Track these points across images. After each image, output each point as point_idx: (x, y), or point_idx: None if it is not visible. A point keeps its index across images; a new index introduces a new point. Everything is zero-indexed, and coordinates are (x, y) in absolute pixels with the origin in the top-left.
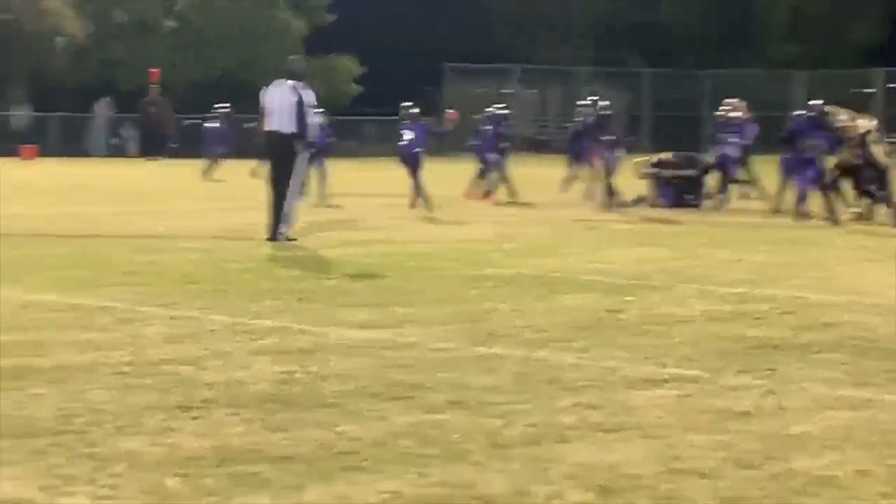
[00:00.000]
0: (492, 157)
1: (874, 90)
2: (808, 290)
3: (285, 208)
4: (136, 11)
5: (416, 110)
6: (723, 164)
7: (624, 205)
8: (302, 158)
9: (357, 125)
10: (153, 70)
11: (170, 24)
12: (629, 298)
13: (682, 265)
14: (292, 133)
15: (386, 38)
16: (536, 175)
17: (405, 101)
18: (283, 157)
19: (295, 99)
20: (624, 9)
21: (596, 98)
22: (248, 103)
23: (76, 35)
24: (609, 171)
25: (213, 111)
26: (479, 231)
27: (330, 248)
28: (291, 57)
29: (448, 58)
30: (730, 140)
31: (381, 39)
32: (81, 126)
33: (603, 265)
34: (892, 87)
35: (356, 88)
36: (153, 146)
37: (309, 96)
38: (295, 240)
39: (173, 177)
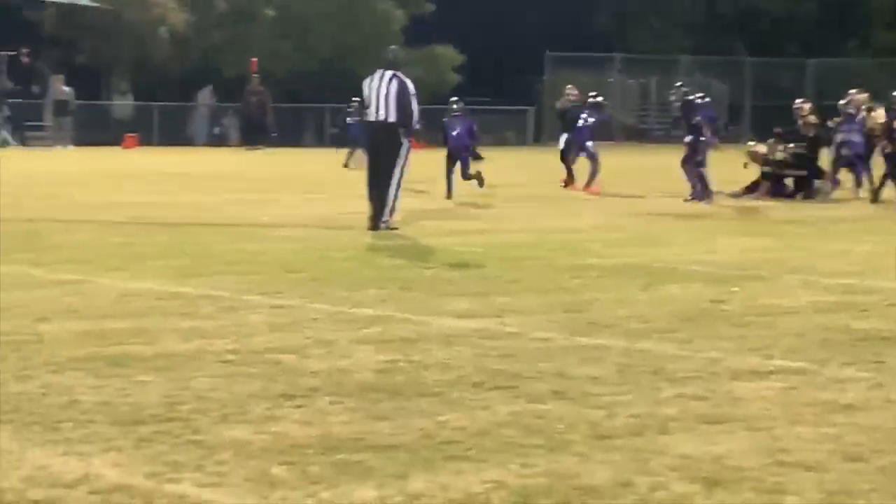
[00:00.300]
0: (590, 145)
1: None
2: None
3: (389, 197)
4: (236, 1)
5: (461, 104)
6: (851, 159)
7: (733, 195)
8: (406, 147)
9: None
10: (253, 59)
11: (270, 12)
12: (733, 289)
13: (787, 255)
14: (395, 122)
15: (485, 28)
16: (638, 164)
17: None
18: (386, 147)
19: (397, 88)
20: None
21: (680, 84)
22: (348, 93)
23: (178, 25)
24: (691, 159)
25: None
26: (580, 220)
27: (431, 237)
28: (391, 47)
29: (548, 46)
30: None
31: (481, 29)
32: (183, 115)
33: (707, 255)
34: None
35: (455, 78)
36: (253, 135)
37: (410, 85)
38: (397, 229)
39: (273, 165)
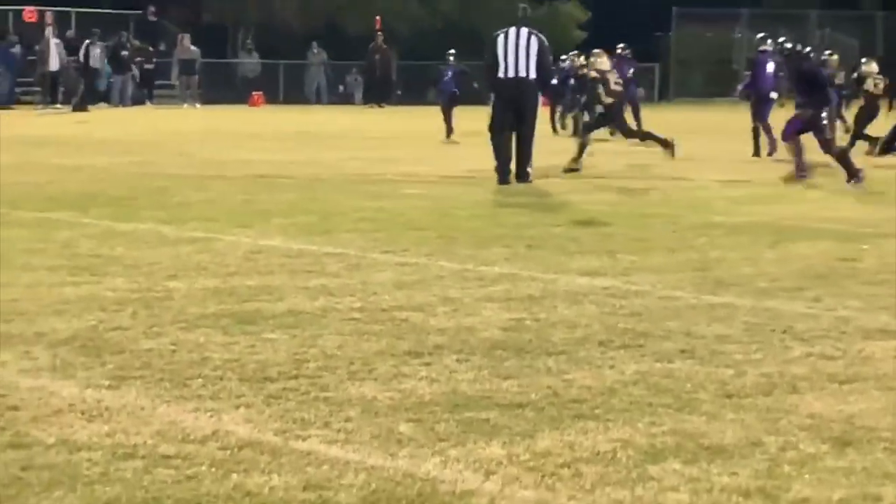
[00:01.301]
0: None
1: None
2: None
3: (530, 158)
4: None
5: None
6: None
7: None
8: (540, 103)
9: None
10: (377, 17)
11: None
12: (864, 247)
13: None
14: (535, 79)
15: None
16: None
17: (630, 46)
18: (527, 102)
19: (538, 46)
20: None
21: (763, 35)
22: (471, 51)
23: None
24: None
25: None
26: (705, 176)
27: (557, 195)
28: (522, 4)
29: (675, 2)
30: None
31: None
32: (307, 73)
33: (836, 213)
34: None
35: (581, 34)
36: (377, 93)
37: (546, 43)
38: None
39: (398, 123)
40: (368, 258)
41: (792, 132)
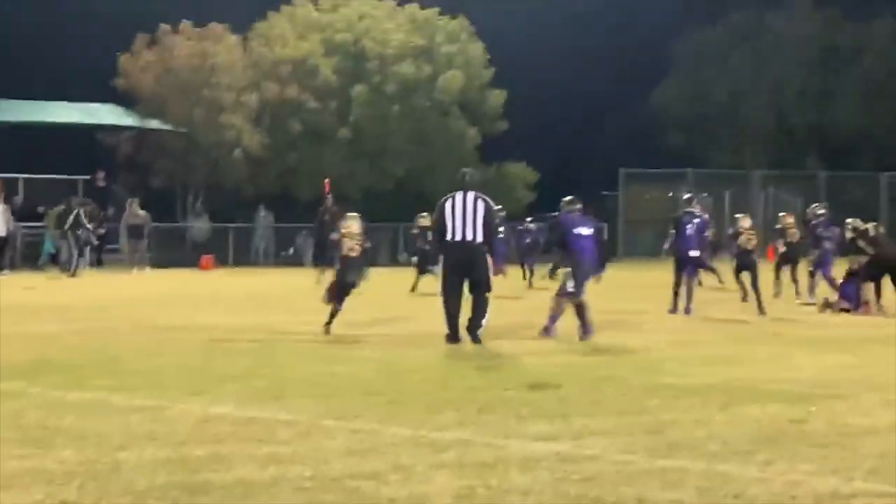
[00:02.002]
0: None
1: None
2: None
3: (484, 310)
4: (311, 122)
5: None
6: None
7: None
8: (489, 263)
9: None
10: (327, 180)
11: (345, 133)
12: (812, 408)
13: (867, 373)
14: (482, 242)
15: (559, 145)
16: (711, 279)
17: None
18: (475, 266)
19: (483, 209)
20: (798, 111)
21: (689, 196)
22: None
23: (253, 147)
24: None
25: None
26: (655, 338)
27: (508, 356)
28: (466, 169)
29: (621, 163)
30: None
31: (554, 146)
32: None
33: (786, 373)
34: None
35: (529, 195)
36: (327, 255)
37: (493, 206)
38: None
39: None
40: (320, 425)
41: None
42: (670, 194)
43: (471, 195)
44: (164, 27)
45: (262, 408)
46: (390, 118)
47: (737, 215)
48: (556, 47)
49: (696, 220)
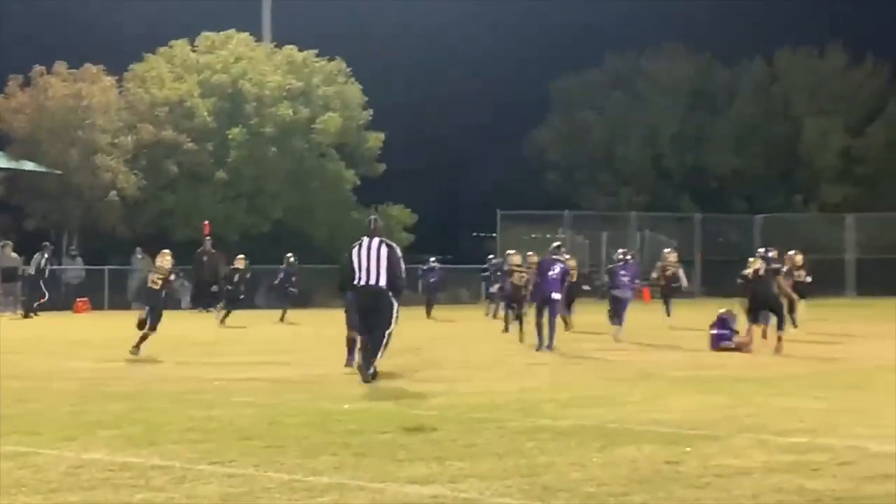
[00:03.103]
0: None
1: None
2: (866, 438)
3: (378, 351)
4: (188, 164)
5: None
6: None
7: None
8: (396, 308)
9: (410, 273)
10: (206, 222)
11: (221, 175)
12: (687, 449)
13: (739, 413)
14: (386, 286)
15: (437, 187)
16: (589, 320)
17: (456, 249)
18: (379, 309)
19: (387, 253)
20: (673, 153)
21: (557, 244)
22: (300, 253)
23: (128, 189)
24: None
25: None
26: (534, 380)
27: (387, 401)
28: (372, 216)
29: (499, 205)
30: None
31: (432, 188)
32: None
33: (660, 414)
34: None
35: (407, 237)
36: (205, 298)
37: (398, 250)
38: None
39: (225, 328)
40: (195, 470)
41: None
42: (548, 236)
43: (376, 241)
44: (38, 68)
45: (135, 453)
46: (268, 160)
47: (508, 251)
48: (433, 90)
49: (559, 266)
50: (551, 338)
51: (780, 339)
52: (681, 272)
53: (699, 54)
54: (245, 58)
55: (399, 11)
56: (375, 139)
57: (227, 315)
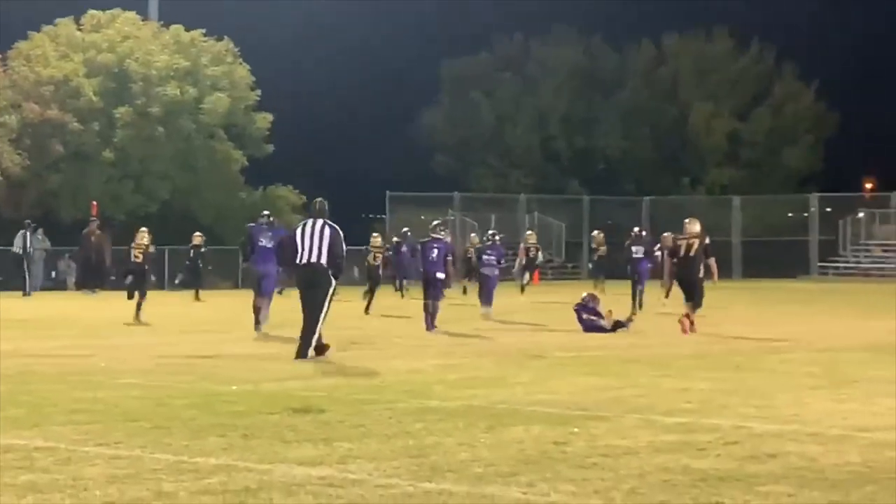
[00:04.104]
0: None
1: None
2: (751, 419)
3: (316, 331)
4: (73, 144)
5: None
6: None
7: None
8: (334, 286)
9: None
10: (93, 202)
11: (108, 155)
12: (575, 430)
13: (627, 394)
14: (326, 264)
15: (326, 168)
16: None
17: (345, 230)
18: (316, 287)
19: (330, 234)
20: (562, 136)
21: (437, 223)
22: (188, 234)
23: (12, 168)
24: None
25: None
26: (424, 362)
27: (275, 382)
28: (318, 199)
29: (389, 186)
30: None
31: (321, 169)
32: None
33: (549, 395)
34: (827, 212)
35: (296, 218)
36: (92, 278)
37: (340, 232)
38: (310, 357)
39: (112, 310)
40: (80, 451)
41: None
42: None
43: (319, 222)
44: None
45: (19, 435)
46: (155, 140)
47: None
48: (323, 70)
49: (439, 246)
50: (433, 318)
51: (689, 315)
52: (540, 252)
53: (588, 38)
54: (131, 37)
55: None
56: (264, 120)
57: (197, 293)
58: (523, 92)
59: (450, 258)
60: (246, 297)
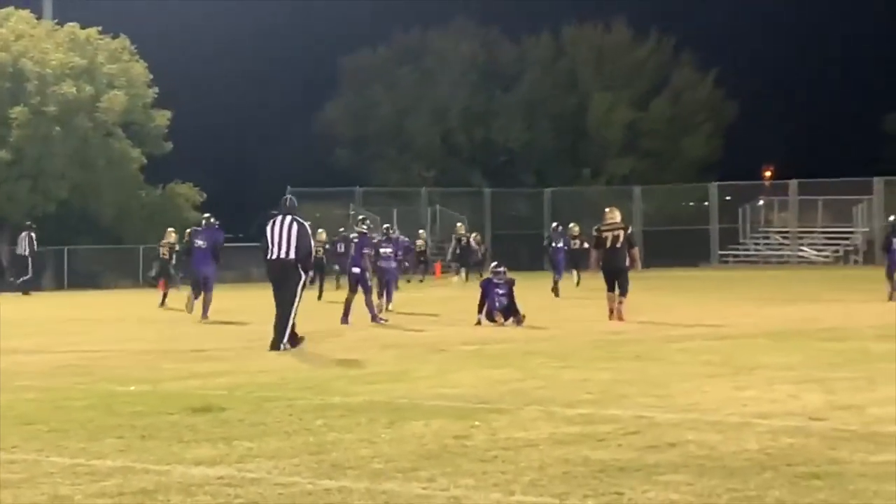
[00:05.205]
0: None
1: (708, 202)
2: (652, 408)
3: (289, 323)
4: None
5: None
6: None
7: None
8: (303, 280)
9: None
10: None
11: (4, 155)
12: (476, 423)
13: (528, 385)
14: (295, 258)
15: (227, 165)
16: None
17: (247, 227)
18: (286, 280)
19: (297, 230)
20: (463, 128)
21: (362, 216)
22: (87, 233)
23: None
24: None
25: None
26: (326, 356)
27: (176, 381)
28: (287, 195)
29: (291, 181)
30: None
31: (222, 166)
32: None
33: (450, 389)
34: (727, 200)
35: (196, 215)
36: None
37: (307, 227)
38: (287, 348)
39: (8, 310)
40: None
41: None
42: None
43: (288, 218)
44: None
45: None
46: (51, 139)
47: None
48: (222, 66)
49: (358, 241)
50: (348, 310)
51: (620, 303)
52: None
53: (486, 30)
54: (26, 35)
55: None
56: (162, 117)
57: (165, 295)
58: (423, 85)
59: (367, 251)
60: (147, 295)
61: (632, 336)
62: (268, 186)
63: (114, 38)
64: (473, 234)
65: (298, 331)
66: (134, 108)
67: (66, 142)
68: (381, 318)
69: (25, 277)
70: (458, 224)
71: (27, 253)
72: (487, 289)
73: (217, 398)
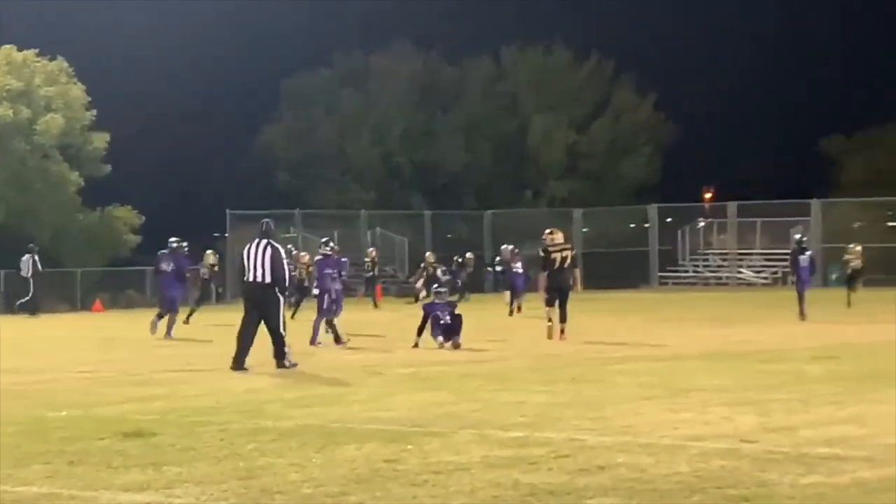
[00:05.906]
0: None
1: (648, 224)
2: (585, 431)
3: (285, 343)
4: None
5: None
6: None
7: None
8: (281, 301)
9: (140, 275)
10: None
11: None
12: (408, 447)
13: (464, 409)
14: (271, 282)
15: (166, 187)
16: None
17: (188, 249)
18: (266, 303)
19: (271, 253)
20: (403, 150)
21: (326, 239)
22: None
23: None
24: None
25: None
26: (261, 381)
27: (109, 406)
28: (264, 220)
29: (231, 204)
30: None
31: (162, 189)
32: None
33: (385, 412)
34: (667, 222)
35: (135, 239)
36: None
37: (282, 251)
38: (296, 364)
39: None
40: None
41: None
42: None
43: (264, 242)
44: None
45: None
46: None
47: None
48: (162, 88)
49: (321, 263)
50: (317, 334)
51: (562, 329)
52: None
53: (427, 52)
54: None
55: (125, 9)
56: (100, 139)
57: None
58: (364, 107)
59: (329, 272)
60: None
61: (570, 358)
62: (208, 209)
63: (51, 59)
64: (466, 256)
65: (251, 359)
66: (72, 131)
67: (3, 164)
68: (318, 342)
69: (24, 300)
70: (428, 253)
71: (30, 275)
72: (430, 311)
73: (149, 423)
